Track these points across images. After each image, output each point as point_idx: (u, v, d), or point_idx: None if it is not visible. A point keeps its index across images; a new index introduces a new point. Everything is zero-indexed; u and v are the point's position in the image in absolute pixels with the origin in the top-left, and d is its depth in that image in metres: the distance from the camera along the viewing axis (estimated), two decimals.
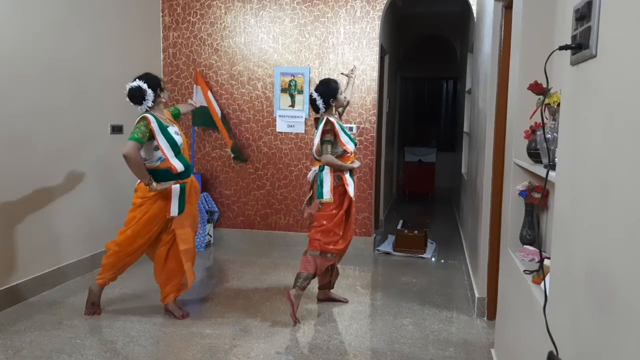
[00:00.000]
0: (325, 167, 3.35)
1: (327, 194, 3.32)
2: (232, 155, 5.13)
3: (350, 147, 3.38)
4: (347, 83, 3.83)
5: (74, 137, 4.02)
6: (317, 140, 3.36)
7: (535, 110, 2.00)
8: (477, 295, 3.52)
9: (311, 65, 5.03)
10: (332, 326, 3.31)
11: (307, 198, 3.50)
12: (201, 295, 3.82)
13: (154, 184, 3.10)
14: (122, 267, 3.34)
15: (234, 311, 3.50)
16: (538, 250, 1.98)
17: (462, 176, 6.21)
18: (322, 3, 4.97)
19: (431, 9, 7.41)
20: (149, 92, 3.12)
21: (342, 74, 4.11)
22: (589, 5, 1.16)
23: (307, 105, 5.00)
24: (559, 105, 1.78)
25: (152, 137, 3.09)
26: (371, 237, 5.13)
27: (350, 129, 4.92)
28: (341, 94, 3.46)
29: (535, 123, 2.08)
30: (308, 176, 3.54)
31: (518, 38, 2.34)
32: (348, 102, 3.74)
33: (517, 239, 2.33)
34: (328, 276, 3.63)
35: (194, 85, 5.11)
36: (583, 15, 1.20)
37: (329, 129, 3.32)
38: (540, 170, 1.93)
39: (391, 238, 5.42)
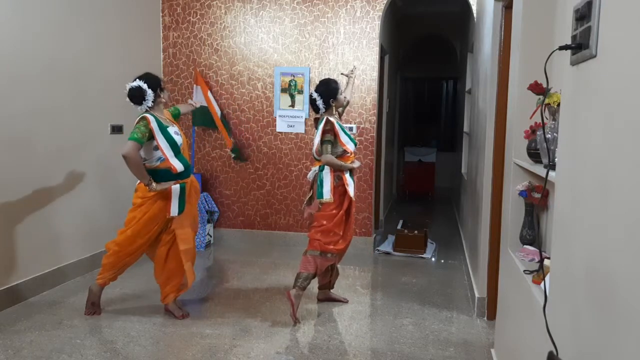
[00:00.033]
0: (325, 167, 3.35)
1: (327, 194, 3.32)
2: (233, 156, 5.14)
3: (350, 147, 3.38)
4: (347, 83, 3.83)
5: (74, 137, 4.02)
6: (317, 140, 3.36)
7: (535, 110, 2.00)
8: (477, 295, 3.52)
9: (311, 65, 5.03)
10: (332, 326, 3.31)
11: (307, 198, 3.50)
12: (201, 295, 3.82)
13: (154, 184, 3.10)
14: (122, 267, 3.34)
15: (234, 311, 3.50)
16: (538, 250, 1.98)
17: (462, 176, 6.21)
18: (322, 3, 4.97)
19: (431, 9, 7.41)
20: (149, 92, 3.12)
21: (342, 74, 4.11)
22: (589, 5, 1.16)
23: (307, 105, 5.00)
24: (559, 105, 1.78)
25: (151, 137, 3.09)
26: (371, 237, 5.13)
27: (350, 129, 4.92)
28: (341, 94, 3.46)
29: (535, 123, 2.08)
30: (308, 176, 3.54)
31: (518, 38, 2.34)
32: (348, 102, 3.74)
33: (517, 239, 2.33)
34: (328, 276, 3.63)
35: (194, 85, 5.11)
36: (583, 15, 1.20)
37: (329, 129, 3.32)
38: (540, 170, 1.93)
39: (391, 238, 5.42)
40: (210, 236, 5.19)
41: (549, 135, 1.80)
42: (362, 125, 5.01)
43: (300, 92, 5.05)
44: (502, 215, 2.65)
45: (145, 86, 3.12)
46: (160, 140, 3.10)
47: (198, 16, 5.20)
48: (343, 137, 3.36)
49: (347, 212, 3.42)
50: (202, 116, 5.01)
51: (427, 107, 10.15)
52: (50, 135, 3.78)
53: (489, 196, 3.37)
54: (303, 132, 5.10)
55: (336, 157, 3.34)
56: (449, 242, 5.62)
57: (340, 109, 3.62)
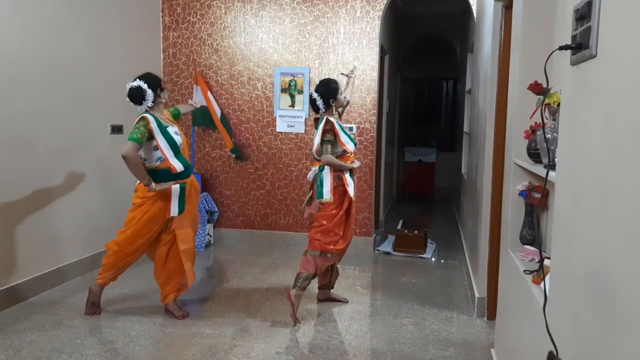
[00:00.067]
0: (325, 167, 3.35)
1: (327, 194, 3.32)
2: (233, 156, 5.15)
3: (350, 147, 3.38)
4: (347, 83, 3.83)
5: (74, 137, 4.02)
6: (317, 140, 3.36)
7: (535, 110, 2.00)
8: (477, 295, 3.52)
9: (311, 65, 5.03)
10: (332, 326, 3.31)
11: (307, 198, 3.50)
12: (201, 295, 3.82)
13: (153, 184, 3.10)
14: (122, 267, 3.34)
15: (234, 311, 3.50)
16: (538, 250, 1.98)
17: (462, 176, 6.21)
18: (322, 3, 4.97)
19: (431, 9, 7.41)
20: (149, 92, 3.13)
21: (342, 74, 4.11)
22: (589, 5, 1.16)
23: (307, 105, 5.00)
24: (559, 105, 1.78)
25: (151, 137, 3.09)
26: (371, 237, 5.13)
27: (350, 129, 4.92)
28: (341, 94, 3.46)
29: (535, 123, 2.08)
30: (308, 176, 3.54)
31: (518, 38, 2.34)
32: (348, 102, 3.74)
33: (517, 239, 2.33)
34: (328, 276, 3.63)
35: (194, 85, 5.11)
36: (583, 15, 1.20)
37: (329, 129, 3.32)
38: (540, 170, 1.93)
39: (391, 238, 5.42)
40: (210, 236, 5.19)
41: (549, 135, 1.80)
42: (362, 125, 5.01)
43: (300, 92, 5.05)
44: (502, 215, 2.65)
45: (145, 86, 3.12)
46: (160, 140, 3.10)
47: (198, 16, 5.20)
48: (343, 137, 3.36)
49: (347, 212, 3.42)
50: (202, 116, 5.01)
51: (427, 107, 10.15)
52: (50, 135, 3.78)
53: (489, 196, 3.37)
54: (303, 132, 5.10)
55: (336, 157, 3.34)
56: (449, 242, 5.62)
57: (340, 109, 3.62)
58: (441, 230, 6.20)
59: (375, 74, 4.96)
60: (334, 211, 3.34)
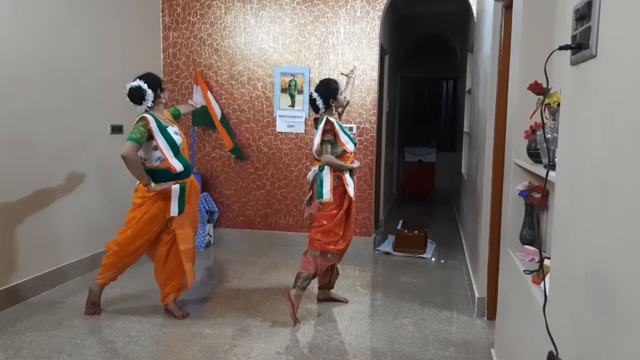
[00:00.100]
0: (325, 167, 3.35)
1: (327, 194, 3.32)
2: (234, 156, 5.15)
3: (350, 147, 3.38)
4: (347, 83, 3.83)
5: (74, 137, 4.02)
6: (317, 140, 3.36)
7: (535, 110, 2.00)
8: (477, 295, 3.52)
9: (311, 65, 5.03)
10: (332, 326, 3.31)
11: (307, 198, 3.50)
12: (201, 295, 3.82)
13: (152, 184, 3.10)
14: (123, 267, 3.34)
15: (234, 311, 3.50)
16: (538, 250, 1.98)
17: (462, 176, 6.21)
18: (322, 3, 4.97)
19: (431, 9, 7.41)
20: (149, 92, 3.13)
21: (342, 74, 4.11)
22: (589, 5, 1.16)
23: (307, 105, 5.00)
24: (559, 105, 1.78)
25: (150, 137, 3.09)
26: (371, 237, 5.13)
27: (350, 129, 4.92)
28: (341, 94, 3.46)
29: (535, 123, 2.08)
30: (308, 176, 3.54)
31: (518, 38, 2.34)
32: (348, 102, 3.74)
33: (517, 239, 2.33)
34: (328, 276, 3.63)
35: (194, 85, 5.11)
36: (583, 15, 1.20)
37: (329, 129, 3.32)
38: (540, 170, 1.93)
39: (391, 238, 5.42)
40: (210, 236, 5.19)
41: (549, 135, 1.80)
42: (362, 125, 5.01)
43: (300, 92, 5.05)
44: (502, 215, 2.65)
45: (145, 86, 3.12)
46: (160, 140, 3.10)
47: (198, 16, 5.20)
48: (343, 137, 3.36)
49: (347, 212, 3.42)
50: (202, 116, 5.01)
51: (427, 107, 10.15)
52: (50, 135, 3.78)
53: (489, 196, 3.36)
54: (303, 132, 5.10)
55: (336, 157, 3.34)
56: (449, 242, 5.62)
57: (340, 109, 3.62)
58: (441, 230, 6.20)
59: (375, 74, 4.96)
60: (334, 211, 3.34)
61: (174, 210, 3.19)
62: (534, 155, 2.06)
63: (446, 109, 10.08)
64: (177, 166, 3.16)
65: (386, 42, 5.82)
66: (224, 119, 5.08)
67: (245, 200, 5.30)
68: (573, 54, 1.28)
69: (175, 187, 3.18)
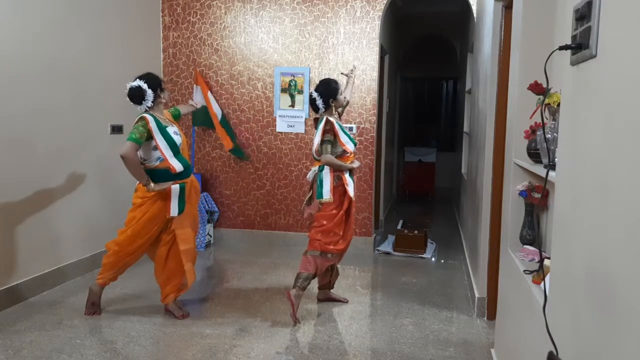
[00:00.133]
0: (325, 167, 3.35)
1: (327, 194, 3.32)
2: (235, 156, 5.15)
3: (349, 147, 3.38)
4: (347, 83, 3.83)
5: (74, 137, 4.02)
6: (316, 140, 3.35)
7: (535, 110, 2.00)
8: (477, 295, 3.52)
9: (311, 65, 5.03)
10: (332, 326, 3.31)
11: (307, 198, 3.50)
12: (201, 295, 3.82)
13: (152, 184, 3.10)
14: (123, 267, 3.34)
15: (234, 311, 3.50)
16: (538, 250, 1.98)
17: (462, 176, 6.21)
18: (322, 3, 4.97)
19: (431, 9, 7.41)
20: (149, 92, 3.13)
21: (341, 73, 4.11)
22: (589, 5, 1.16)
23: (307, 105, 5.00)
24: (559, 105, 1.78)
25: (150, 137, 3.09)
26: (371, 237, 5.13)
27: (350, 129, 4.92)
28: (341, 94, 3.45)
29: (535, 123, 2.08)
30: (308, 176, 3.54)
31: (518, 38, 2.34)
32: (348, 103, 3.74)
33: (517, 239, 2.33)
34: (328, 276, 3.63)
35: (194, 85, 5.11)
36: (583, 15, 1.20)
37: (329, 129, 3.32)
38: (540, 170, 1.93)
39: (391, 238, 5.41)
40: (210, 236, 5.19)
41: (549, 135, 1.80)
42: (362, 125, 5.01)
43: (300, 92, 5.05)
44: (502, 215, 2.65)
45: (145, 86, 3.12)
46: (159, 140, 3.10)
47: (198, 16, 5.20)
48: (343, 137, 3.36)
49: (347, 212, 3.42)
50: (202, 116, 5.01)
51: (427, 107, 10.15)
52: (50, 135, 3.78)
53: (489, 196, 3.36)
54: (303, 132, 5.10)
55: (336, 157, 3.34)
56: (449, 242, 5.62)
57: (340, 109, 3.62)
58: (441, 230, 6.20)
59: (375, 74, 4.96)
60: (334, 211, 3.34)
61: (173, 210, 3.19)
62: (534, 155, 2.06)
63: (446, 109, 10.08)
64: (177, 166, 3.16)
65: (386, 42, 5.82)
66: (224, 120, 5.08)
67: (245, 200, 5.30)
68: (573, 54, 1.28)
69: (175, 187, 3.18)
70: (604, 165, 1.07)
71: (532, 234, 2.23)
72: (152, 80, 3.18)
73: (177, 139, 3.22)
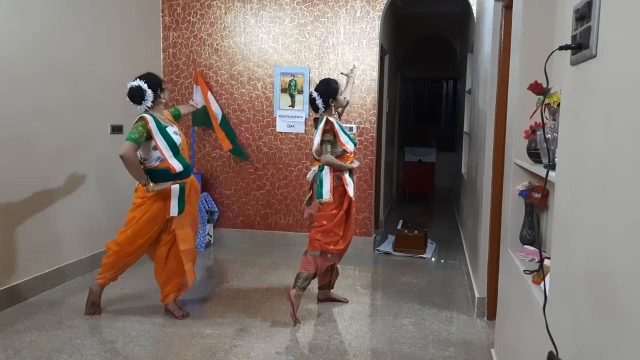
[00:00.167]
0: (325, 167, 3.35)
1: (327, 194, 3.32)
2: (236, 156, 5.15)
3: (349, 147, 3.38)
4: (347, 83, 3.83)
5: (74, 137, 4.02)
6: (316, 140, 3.35)
7: (535, 110, 2.00)
8: (477, 295, 3.52)
9: (311, 65, 5.03)
10: (332, 326, 3.31)
11: (307, 198, 3.50)
12: (201, 295, 3.82)
13: (151, 184, 3.10)
14: (123, 267, 3.34)
15: (234, 311, 3.50)
16: (538, 250, 1.98)
17: (462, 176, 6.21)
18: (322, 3, 4.97)
19: (431, 9, 7.41)
20: (149, 92, 3.13)
21: (341, 73, 4.11)
22: (589, 5, 1.16)
23: (307, 105, 5.00)
24: (559, 105, 1.78)
25: (150, 137, 3.09)
26: (371, 237, 5.13)
27: (350, 129, 4.92)
28: (341, 94, 3.45)
29: (535, 123, 2.08)
30: (307, 176, 3.54)
31: (518, 38, 2.34)
32: (347, 103, 3.74)
33: (517, 239, 2.33)
34: (328, 276, 3.63)
35: (194, 85, 5.11)
36: (583, 15, 1.20)
37: (329, 129, 3.32)
38: (540, 170, 1.93)
39: (391, 238, 5.41)
40: (210, 236, 5.19)
41: (549, 135, 1.80)
42: (362, 125, 5.01)
43: (300, 92, 5.05)
44: (502, 215, 2.65)
45: (145, 86, 3.12)
46: (159, 140, 3.10)
47: (198, 16, 5.20)
48: (343, 137, 3.36)
49: (347, 212, 3.42)
50: (202, 116, 5.01)
51: (427, 107, 10.15)
52: (50, 135, 3.78)
53: (489, 196, 3.36)
54: (303, 132, 5.10)
55: (336, 157, 3.34)
56: (449, 242, 5.62)
57: (340, 109, 3.62)
58: (441, 230, 6.20)
59: (375, 74, 4.96)
60: (334, 211, 3.34)
61: (173, 210, 3.19)
62: (534, 155, 2.06)
63: (446, 109, 10.08)
64: (177, 166, 3.16)
65: (386, 42, 5.82)
66: (224, 121, 5.07)
67: (245, 200, 5.30)
68: (573, 54, 1.28)
69: (175, 187, 3.18)
70: (604, 165, 1.07)
71: (532, 234, 2.23)
72: (152, 80, 3.18)
73: (177, 139, 3.22)
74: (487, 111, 3.48)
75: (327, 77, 3.67)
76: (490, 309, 3.33)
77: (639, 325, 0.87)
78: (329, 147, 3.31)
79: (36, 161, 3.66)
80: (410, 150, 9.03)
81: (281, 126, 5.12)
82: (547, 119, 1.90)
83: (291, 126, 5.11)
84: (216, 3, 5.15)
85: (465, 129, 6.23)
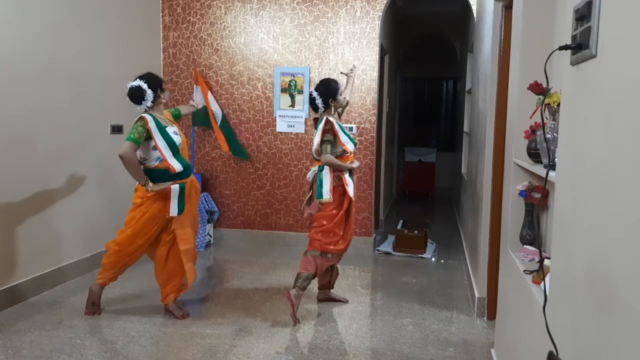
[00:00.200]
0: (325, 167, 3.35)
1: (327, 194, 3.32)
2: (237, 157, 5.15)
3: (349, 147, 3.38)
4: (347, 83, 3.83)
5: (74, 137, 4.02)
6: (316, 140, 3.35)
7: (535, 110, 2.00)
8: (477, 295, 3.52)
9: (311, 65, 5.03)
10: (332, 326, 3.31)
11: (307, 198, 3.50)
12: (201, 295, 3.82)
13: (150, 184, 3.10)
14: (123, 266, 3.34)
15: (234, 311, 3.50)
16: (538, 250, 1.98)
17: (462, 176, 6.21)
18: (322, 3, 4.97)
19: (431, 9, 7.41)
20: (149, 92, 3.13)
21: (341, 73, 4.11)
22: (589, 5, 1.16)
23: (307, 105, 5.00)
24: (559, 105, 1.78)
25: (149, 137, 3.09)
26: (371, 237, 5.13)
27: (350, 129, 4.92)
28: (341, 94, 3.45)
29: (535, 123, 2.08)
30: (307, 176, 3.54)
31: (518, 38, 2.34)
32: (347, 103, 3.74)
33: (517, 239, 2.33)
34: (328, 276, 3.63)
35: (194, 85, 5.11)
36: (583, 15, 1.20)
37: (329, 129, 3.32)
38: (540, 170, 1.93)
39: (391, 238, 5.41)
40: (210, 236, 5.19)
41: (549, 135, 1.80)
42: (362, 125, 5.01)
43: (300, 92, 5.05)
44: (502, 215, 2.65)
45: (145, 86, 3.12)
46: (158, 140, 3.10)
47: (198, 16, 5.20)
48: (342, 137, 3.36)
49: (347, 212, 3.42)
50: (202, 116, 5.01)
51: (427, 107, 10.15)
52: (50, 135, 3.78)
53: (489, 196, 3.36)
54: (303, 132, 5.10)
55: (336, 157, 3.34)
56: (449, 242, 5.62)
57: (339, 110, 3.62)
58: (441, 230, 6.20)
59: (375, 74, 4.96)
60: (334, 211, 3.34)
61: (173, 210, 3.19)
62: (534, 155, 2.06)
63: (446, 109, 10.08)
64: (176, 166, 3.16)
65: (386, 42, 5.82)
66: (224, 122, 5.07)
67: (245, 200, 5.30)
68: (573, 54, 1.28)
69: (175, 187, 3.18)
70: (604, 165, 1.07)
71: (532, 234, 2.23)
72: (153, 80, 3.18)
73: (177, 139, 3.21)
74: (487, 111, 3.48)
75: (327, 77, 3.67)
76: (490, 309, 3.33)
77: (639, 325, 0.87)
78: (328, 147, 3.31)
79: (36, 161, 3.66)
80: (410, 150, 9.03)
81: (281, 126, 5.12)
82: (547, 119, 1.90)
83: (291, 126, 5.11)
84: (216, 3, 5.15)
85: (465, 129, 6.23)
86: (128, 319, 3.31)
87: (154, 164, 3.16)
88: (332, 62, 4.99)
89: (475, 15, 4.84)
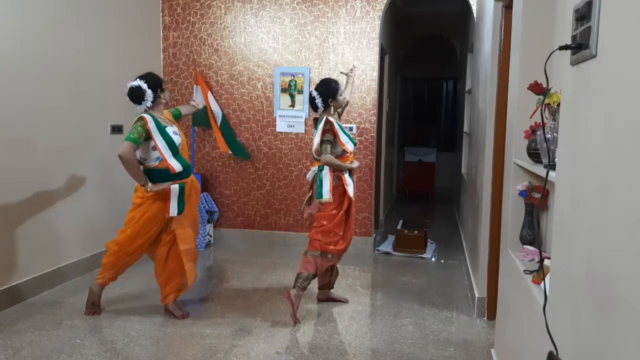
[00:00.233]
0: (325, 167, 3.35)
1: (327, 194, 3.32)
2: (238, 157, 5.15)
3: (349, 147, 3.38)
4: (347, 82, 3.82)
5: (74, 137, 4.02)
6: (316, 140, 3.35)
7: (535, 110, 2.00)
8: (477, 295, 3.52)
9: (311, 65, 5.03)
10: (332, 326, 3.31)
11: (307, 198, 3.50)
12: (201, 295, 3.82)
13: (150, 184, 3.10)
14: (123, 266, 3.35)
15: (234, 311, 3.50)
16: (538, 250, 1.98)
17: (462, 176, 6.21)
18: (322, 3, 4.97)
19: (431, 9, 7.41)
20: (149, 92, 3.13)
21: (341, 73, 4.11)
22: (589, 5, 1.16)
23: (307, 105, 5.00)
24: (559, 105, 1.78)
25: (149, 137, 3.09)
26: (371, 237, 5.13)
27: (350, 129, 4.92)
28: (341, 94, 3.45)
29: (535, 123, 2.08)
30: (307, 176, 3.54)
31: (518, 38, 2.34)
32: (347, 103, 3.74)
33: (517, 239, 2.33)
34: (328, 276, 3.63)
35: (194, 85, 5.11)
36: (583, 15, 1.20)
37: (329, 129, 3.32)
38: (540, 170, 1.93)
39: (391, 238, 5.41)
40: (210, 236, 5.19)
41: (549, 135, 1.80)
42: (362, 125, 5.01)
43: (300, 92, 5.05)
44: (502, 215, 2.65)
45: (145, 86, 3.12)
46: (158, 140, 3.10)
47: (198, 16, 5.20)
48: (342, 137, 3.36)
49: (347, 212, 3.42)
50: (202, 116, 5.01)
51: (427, 107, 10.15)
52: (50, 135, 3.78)
53: (489, 196, 3.36)
54: (303, 132, 5.10)
55: (336, 157, 3.34)
56: (449, 242, 5.62)
57: (339, 110, 3.62)
58: (441, 230, 6.20)
59: (375, 74, 4.96)
60: (334, 211, 3.34)
61: (173, 210, 3.19)
62: (534, 155, 2.06)
63: (446, 109, 10.08)
64: (176, 166, 3.16)
65: (386, 42, 5.82)
66: (224, 122, 5.07)
67: (245, 200, 5.30)
68: (573, 54, 1.28)
69: (175, 187, 3.18)
70: (604, 165, 1.07)
71: (532, 234, 2.23)
72: (153, 80, 3.18)
73: (177, 139, 3.21)
74: (487, 111, 3.48)
75: (327, 77, 3.67)
76: (490, 309, 3.33)
77: (639, 325, 0.87)
78: (328, 147, 3.31)
79: (36, 161, 3.66)
80: (410, 150, 9.03)
81: (281, 126, 5.12)
82: (547, 119, 1.90)
83: (291, 126, 5.11)
84: (216, 3, 5.15)
85: (465, 129, 6.23)
86: (128, 319, 3.31)
87: (153, 164, 3.16)
88: (332, 62, 4.99)
89: (475, 15, 4.84)
